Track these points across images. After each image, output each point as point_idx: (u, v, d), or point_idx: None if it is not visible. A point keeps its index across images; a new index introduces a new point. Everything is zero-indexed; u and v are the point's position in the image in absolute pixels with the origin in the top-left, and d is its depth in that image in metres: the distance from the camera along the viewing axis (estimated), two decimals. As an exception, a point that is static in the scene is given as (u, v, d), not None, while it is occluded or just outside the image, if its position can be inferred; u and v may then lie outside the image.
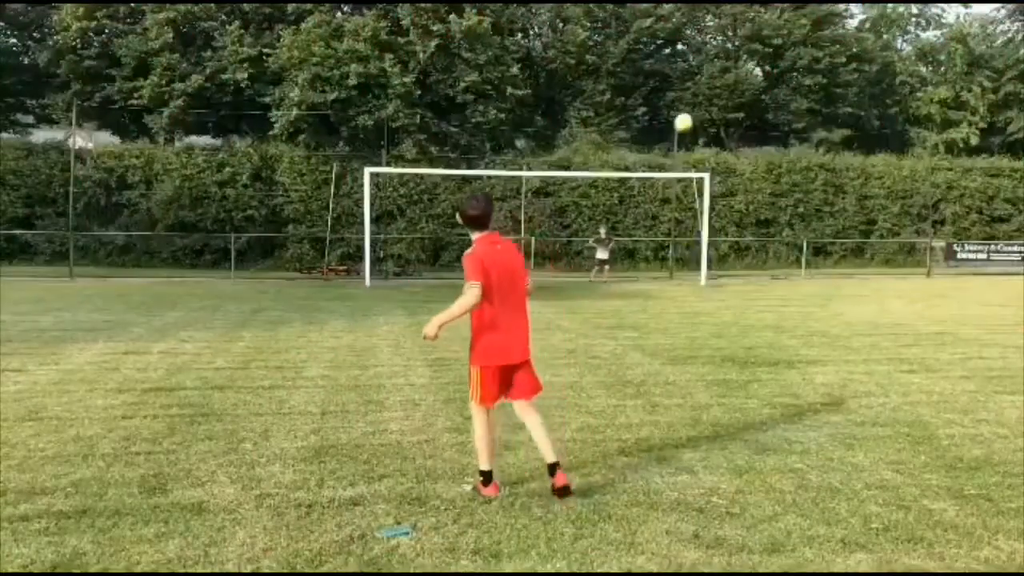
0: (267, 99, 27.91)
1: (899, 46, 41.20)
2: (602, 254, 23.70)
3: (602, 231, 24.99)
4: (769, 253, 30.26)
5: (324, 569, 3.67)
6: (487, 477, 4.61)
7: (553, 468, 4.57)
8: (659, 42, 34.55)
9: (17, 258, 26.01)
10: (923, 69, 37.21)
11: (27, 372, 8.12)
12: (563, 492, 4.51)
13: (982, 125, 34.41)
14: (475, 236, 4.66)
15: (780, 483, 4.84)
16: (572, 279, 23.64)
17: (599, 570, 3.68)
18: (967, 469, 5.15)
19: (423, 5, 27.24)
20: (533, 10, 31.84)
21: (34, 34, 31.31)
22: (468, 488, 4.66)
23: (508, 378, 4.68)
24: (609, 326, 12.27)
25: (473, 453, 5.38)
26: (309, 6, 28.33)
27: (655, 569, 3.69)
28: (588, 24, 31.71)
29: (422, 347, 9.98)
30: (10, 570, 3.63)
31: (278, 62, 27.19)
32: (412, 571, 3.66)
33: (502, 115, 28.62)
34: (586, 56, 31.35)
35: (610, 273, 24.16)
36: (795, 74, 33.36)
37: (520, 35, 32.98)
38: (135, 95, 28.08)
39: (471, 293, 4.47)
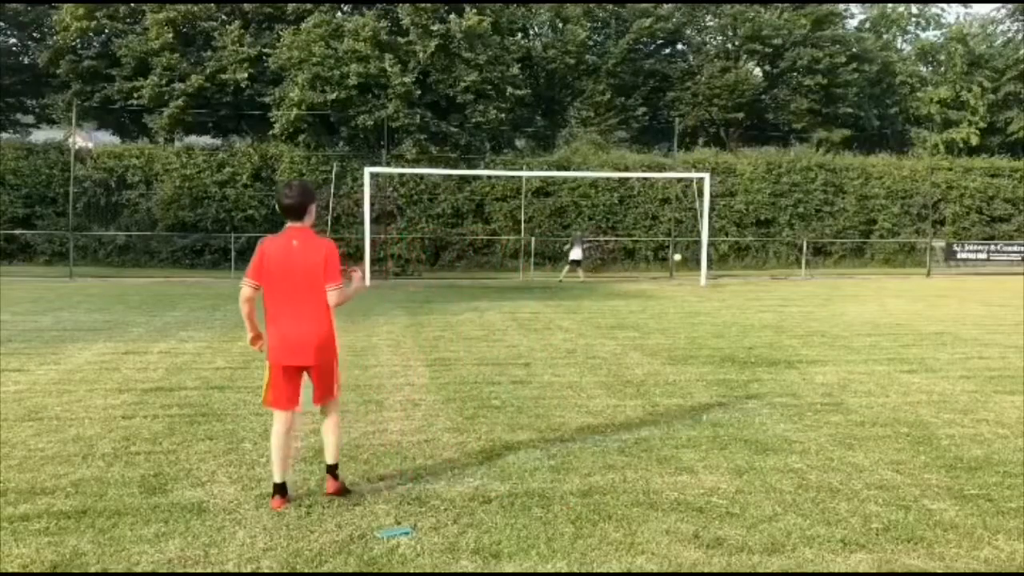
0: (267, 99, 27.91)
1: (899, 46, 41.20)
2: (575, 254, 23.73)
3: (578, 231, 25.18)
4: (769, 253, 30.27)
5: (324, 569, 3.67)
6: (278, 489, 4.40)
7: (331, 468, 4.55)
8: (659, 42, 34.57)
9: (17, 258, 26.02)
10: (923, 69, 37.20)
11: (27, 372, 8.12)
12: (336, 494, 4.53)
13: (982, 125, 34.41)
14: (286, 226, 4.46)
15: (780, 483, 4.84)
16: (572, 279, 23.65)
17: (599, 570, 3.68)
18: (967, 469, 5.15)
19: (423, 5, 27.24)
20: (533, 10, 31.83)
21: (34, 34, 31.30)
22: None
23: (298, 382, 4.47)
24: (609, 326, 12.27)
25: (471, 453, 5.40)
26: (309, 6, 28.32)
27: (655, 569, 3.69)
28: (588, 24, 31.71)
29: (422, 347, 9.99)
30: (10, 570, 3.63)
31: (278, 62, 27.19)
32: (412, 571, 3.66)
33: (502, 115, 28.62)
34: (586, 56, 31.36)
35: (609, 273, 24.17)
36: (795, 74, 33.37)
37: (520, 35, 32.97)
38: (135, 95, 28.07)
39: (241, 291, 4.41)
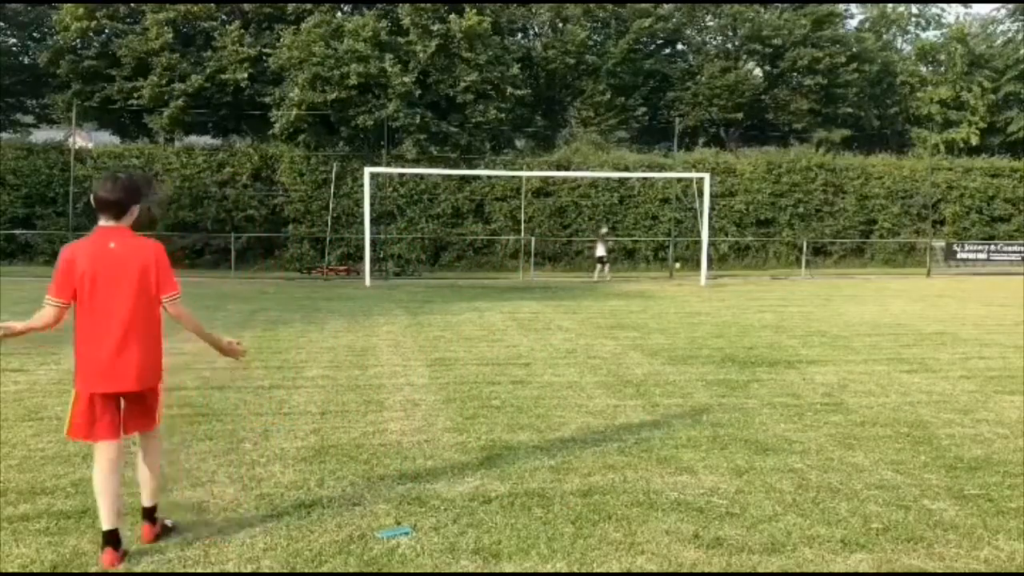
0: (267, 99, 27.92)
1: (899, 46, 41.20)
2: (601, 251, 23.91)
3: (604, 228, 25.24)
4: (769, 253, 30.27)
5: (324, 569, 3.67)
6: (108, 539, 3.67)
7: (148, 512, 3.93)
8: (659, 42, 34.55)
9: (17, 258, 26.02)
10: (923, 69, 37.22)
11: (27, 372, 8.12)
12: (154, 541, 3.91)
13: (982, 125, 34.41)
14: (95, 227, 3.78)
15: (780, 483, 4.84)
16: (572, 279, 23.65)
17: (599, 570, 3.68)
18: (967, 469, 5.15)
19: (423, 5, 27.23)
20: (533, 10, 31.83)
21: (34, 34, 31.29)
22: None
23: (116, 409, 3.80)
24: (609, 326, 12.26)
25: (471, 453, 5.40)
26: (309, 6, 28.32)
27: (655, 569, 3.69)
28: (588, 24, 31.71)
29: (422, 347, 9.99)
30: (10, 570, 3.63)
31: (278, 62, 27.19)
32: (412, 571, 3.66)
33: (502, 115, 28.62)
34: (586, 56, 31.36)
35: (611, 273, 24.22)
36: (795, 74, 33.37)
37: (520, 35, 32.95)
38: (135, 95, 28.07)
39: (44, 312, 3.73)
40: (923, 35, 41.72)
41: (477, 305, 15.51)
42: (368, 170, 22.38)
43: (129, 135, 31.36)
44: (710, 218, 24.92)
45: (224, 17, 29.44)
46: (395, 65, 26.60)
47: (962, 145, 34.43)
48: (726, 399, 7.14)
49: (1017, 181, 32.28)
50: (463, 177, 27.66)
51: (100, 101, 28.96)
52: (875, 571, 3.69)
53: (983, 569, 3.73)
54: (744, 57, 34.29)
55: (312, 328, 11.73)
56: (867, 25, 40.27)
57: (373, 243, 23.03)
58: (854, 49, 33.89)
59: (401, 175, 27.12)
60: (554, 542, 3.94)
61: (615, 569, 3.68)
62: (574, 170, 27.90)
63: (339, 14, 29.16)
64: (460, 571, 3.66)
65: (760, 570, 3.68)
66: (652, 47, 34.30)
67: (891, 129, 37.60)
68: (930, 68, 37.26)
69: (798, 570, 3.69)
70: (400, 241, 27.39)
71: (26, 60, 31.29)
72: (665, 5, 32.85)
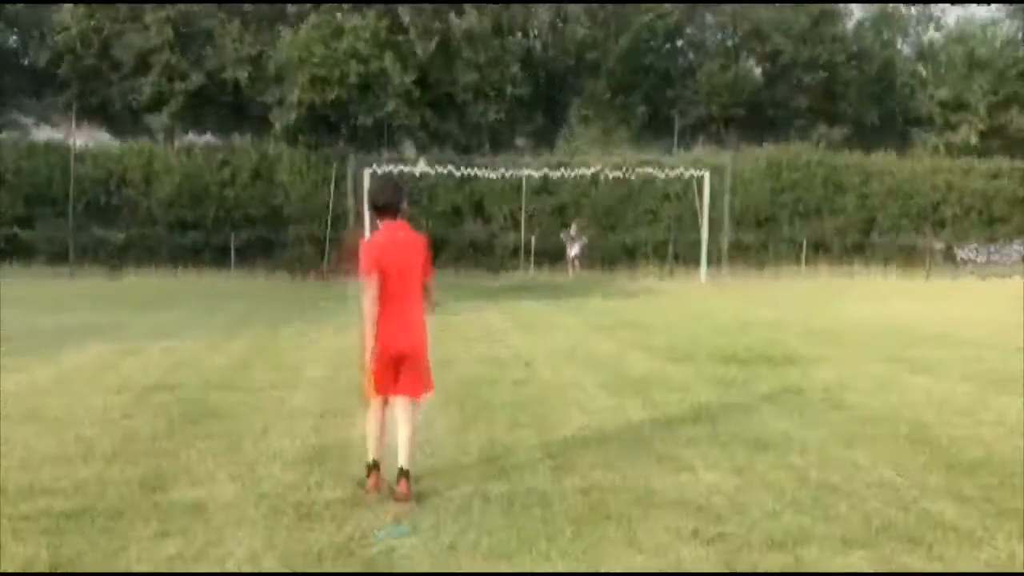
0: (267, 99, 27.90)
1: (899, 46, 41.18)
2: (573, 250, 24.13)
3: (572, 228, 25.35)
4: (769, 251, 30.21)
5: (324, 569, 3.67)
6: (374, 467, 4.64)
7: (404, 472, 4.54)
8: (660, 40, 34.54)
9: (17, 258, 25.98)
10: (923, 69, 37.19)
11: (27, 372, 8.11)
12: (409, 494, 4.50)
13: (982, 126, 34.38)
14: None
15: (780, 481, 4.84)
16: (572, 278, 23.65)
17: (599, 570, 3.68)
18: (967, 469, 5.14)
19: (423, 5, 27.23)
20: (533, 10, 31.81)
21: (34, 34, 31.28)
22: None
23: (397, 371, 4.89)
24: (609, 325, 12.26)
25: (471, 453, 5.40)
26: (309, 6, 28.31)
27: (655, 568, 3.68)
28: (588, 22, 31.68)
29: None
30: (10, 570, 3.63)
31: (278, 62, 27.18)
32: (412, 571, 3.66)
33: (502, 114, 28.59)
34: (586, 54, 31.34)
35: (610, 272, 24.22)
36: (795, 72, 33.35)
37: (520, 35, 32.94)
38: (135, 94, 28.06)
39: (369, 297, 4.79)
40: (923, 36, 41.70)
41: (477, 305, 15.51)
42: (368, 170, 22.36)
43: (129, 134, 31.37)
44: (710, 216, 24.89)
45: (224, 16, 29.43)
46: (395, 64, 26.59)
47: (962, 146, 34.39)
48: (726, 397, 7.14)
49: (1017, 182, 32.22)
50: (463, 177, 27.62)
51: (100, 101, 28.93)
52: (875, 570, 3.69)
53: (983, 570, 3.73)
54: (744, 54, 34.28)
55: (312, 328, 11.72)
56: (867, 25, 40.25)
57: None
58: (854, 48, 33.89)
59: (401, 174, 27.09)
60: (554, 542, 3.94)
61: (615, 568, 3.68)
62: (574, 168, 27.87)
63: (339, 14, 29.14)
64: (460, 571, 3.66)
65: (760, 568, 3.68)
66: (652, 45, 34.27)
67: (891, 129, 37.59)
68: (930, 68, 37.24)
69: (798, 568, 3.69)
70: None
71: (26, 60, 31.27)
72: (665, 4, 32.85)
